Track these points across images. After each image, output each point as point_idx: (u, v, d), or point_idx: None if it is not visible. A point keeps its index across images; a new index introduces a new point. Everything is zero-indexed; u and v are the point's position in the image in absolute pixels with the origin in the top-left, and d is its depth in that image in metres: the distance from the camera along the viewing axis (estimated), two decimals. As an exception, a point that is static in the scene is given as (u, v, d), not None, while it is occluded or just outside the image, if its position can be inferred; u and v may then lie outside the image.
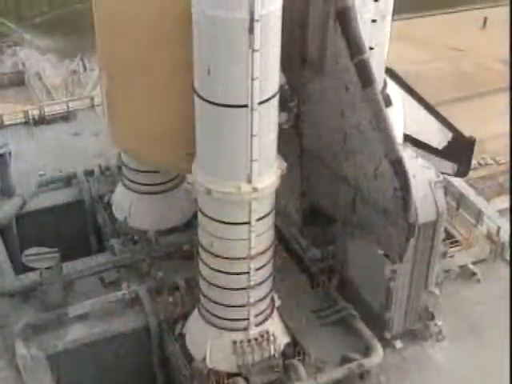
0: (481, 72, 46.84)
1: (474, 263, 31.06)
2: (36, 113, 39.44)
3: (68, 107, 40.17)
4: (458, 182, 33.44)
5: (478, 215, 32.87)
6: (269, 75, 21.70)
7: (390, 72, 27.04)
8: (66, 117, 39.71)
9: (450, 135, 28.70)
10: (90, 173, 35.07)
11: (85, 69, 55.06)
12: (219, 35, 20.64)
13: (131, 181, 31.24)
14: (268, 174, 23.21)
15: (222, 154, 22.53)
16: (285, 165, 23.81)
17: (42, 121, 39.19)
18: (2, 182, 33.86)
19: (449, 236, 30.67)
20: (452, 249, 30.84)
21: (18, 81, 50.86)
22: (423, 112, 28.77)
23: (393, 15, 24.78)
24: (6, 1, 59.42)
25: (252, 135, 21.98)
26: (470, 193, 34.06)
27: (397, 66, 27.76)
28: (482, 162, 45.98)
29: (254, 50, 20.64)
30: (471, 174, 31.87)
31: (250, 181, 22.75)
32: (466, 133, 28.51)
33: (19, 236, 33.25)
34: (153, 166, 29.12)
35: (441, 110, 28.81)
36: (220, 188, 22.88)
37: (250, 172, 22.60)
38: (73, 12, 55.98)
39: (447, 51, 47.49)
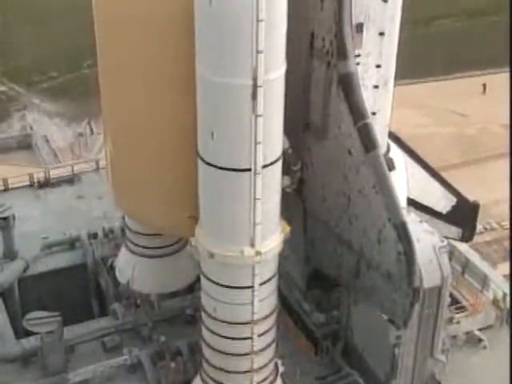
0: (484, 136, 47.20)
1: (481, 329, 30.64)
2: (41, 176, 39.71)
3: (73, 170, 40.45)
4: (463, 247, 33.24)
5: (484, 280, 32.56)
6: (272, 140, 21.85)
7: (392, 136, 27.20)
8: (71, 180, 39.97)
9: (454, 200, 28.69)
10: (93, 235, 35.04)
11: (92, 132, 55.67)
12: (222, 100, 20.87)
13: (134, 244, 31.16)
14: (271, 237, 23.14)
15: (225, 218, 22.52)
16: (288, 228, 23.75)
17: (46, 184, 39.44)
18: (5, 245, 33.83)
19: (454, 301, 30.34)
20: (458, 315, 30.47)
21: (25, 144, 51.42)
22: (427, 176, 28.84)
23: (394, 81, 25.08)
24: (16, 67, 60.53)
25: (255, 199, 22.00)
26: (476, 258, 33.80)
27: (400, 130, 27.96)
28: (487, 226, 45.86)
29: (257, 116, 20.83)
30: (476, 238, 31.72)
31: (253, 245, 22.67)
32: (471, 197, 28.49)
33: (21, 299, 33.02)
34: (156, 229, 29.08)
35: (445, 174, 28.89)
36: (223, 252, 22.79)
37: (254, 236, 22.54)
38: (80, 77, 56.92)
39: (449, 116, 48.02)
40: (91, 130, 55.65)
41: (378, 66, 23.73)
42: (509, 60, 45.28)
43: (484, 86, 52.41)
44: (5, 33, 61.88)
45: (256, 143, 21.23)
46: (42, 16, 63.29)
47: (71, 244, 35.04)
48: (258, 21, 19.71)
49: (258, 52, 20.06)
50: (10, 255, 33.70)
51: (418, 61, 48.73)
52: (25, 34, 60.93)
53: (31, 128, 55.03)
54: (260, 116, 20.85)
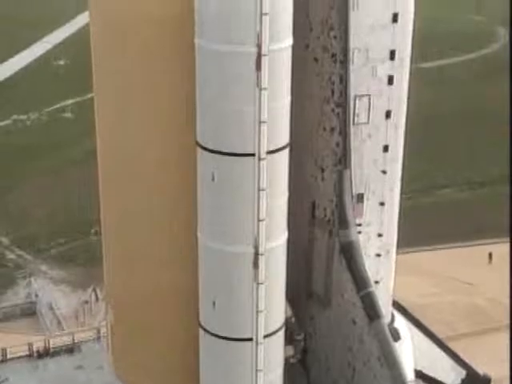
0: (492, 307, 46.68)
1: None
2: (41, 345, 38.98)
3: (73, 339, 39.74)
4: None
5: None
6: (274, 308, 21.62)
7: (397, 305, 26.87)
8: (71, 349, 39.14)
9: (463, 372, 27.85)
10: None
11: (97, 299, 55.35)
12: (224, 268, 20.92)
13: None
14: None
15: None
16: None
17: (46, 353, 38.61)
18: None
19: None
20: None
21: (29, 311, 51.08)
22: (434, 347, 28.19)
23: (398, 249, 25.13)
24: (26, 234, 61.41)
25: (257, 370, 21.45)
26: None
27: (404, 299, 27.67)
28: (501, 400, 44.15)
29: (258, 283, 20.73)
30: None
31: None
32: (481, 370, 27.67)
33: None
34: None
35: (453, 345, 28.21)
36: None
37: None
38: (87, 243, 57.51)
39: (456, 284, 47.81)
40: (96, 296, 55.38)
41: (380, 235, 23.89)
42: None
43: (490, 255, 52.61)
44: (12, 196, 63.42)
45: (257, 311, 20.97)
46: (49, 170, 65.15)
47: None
48: (259, 190, 20.09)
49: (259, 220, 20.30)
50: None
51: (421, 229, 49.22)
52: (33, 195, 62.44)
53: (36, 295, 54.88)
54: (262, 284, 20.74)
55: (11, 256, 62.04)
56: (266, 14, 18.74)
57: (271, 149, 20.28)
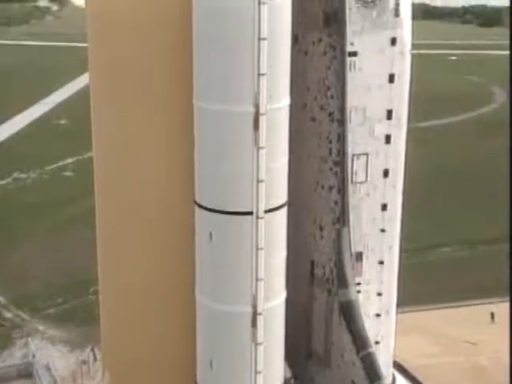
0: (496, 368, 46.00)
1: None
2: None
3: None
4: None
5: None
6: (273, 368, 21.30)
7: (398, 366, 26.51)
8: None
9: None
10: None
11: (95, 359, 54.56)
12: (223, 328, 20.67)
13: None
14: None
15: None
16: None
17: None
18: None
19: None
20: None
21: (26, 372, 50.21)
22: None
23: (398, 308, 24.91)
24: (24, 293, 61.06)
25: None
26: None
27: (406, 359, 27.29)
28: None
29: (257, 344, 20.48)
30: None
31: None
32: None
33: None
34: None
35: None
36: None
37: None
38: (86, 303, 57.03)
39: (458, 344, 47.20)
40: (94, 356, 54.58)
41: (380, 294, 23.70)
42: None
43: (492, 314, 52.19)
44: (10, 254, 63.28)
45: (256, 372, 20.66)
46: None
47: None
48: (257, 249, 20.04)
49: (257, 280, 20.17)
50: None
51: (422, 288, 48.87)
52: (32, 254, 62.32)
53: (33, 356, 54.14)
54: (260, 344, 20.48)
55: (9, 315, 61.51)
56: (263, 74, 18.96)
57: (269, 207, 20.28)
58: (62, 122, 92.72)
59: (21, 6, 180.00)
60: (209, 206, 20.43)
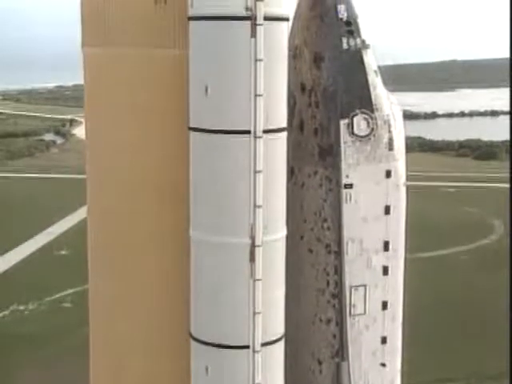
0: None
1: None
2: None
3: None
4: None
5: None
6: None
7: None
8: None
9: None
10: None
11: None
12: None
13: None
14: None
15: None
16: None
17: None
18: None
19: None
20: None
21: None
22: None
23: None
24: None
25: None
26: None
27: None
28: None
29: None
30: None
31: None
32: None
33: None
34: None
35: None
36: None
37: None
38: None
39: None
40: None
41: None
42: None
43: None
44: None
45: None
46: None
47: None
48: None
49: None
50: None
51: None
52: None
53: None
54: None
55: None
56: (259, 206, 19.09)
57: (266, 341, 19.88)
58: (63, 252, 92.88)
59: (25, 140, 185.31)
60: (204, 340, 20.04)
